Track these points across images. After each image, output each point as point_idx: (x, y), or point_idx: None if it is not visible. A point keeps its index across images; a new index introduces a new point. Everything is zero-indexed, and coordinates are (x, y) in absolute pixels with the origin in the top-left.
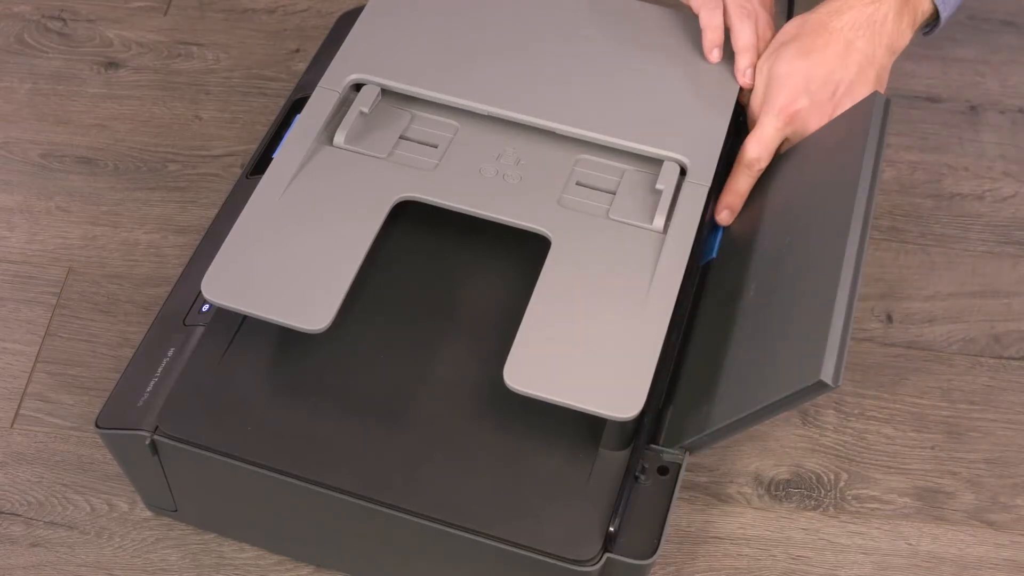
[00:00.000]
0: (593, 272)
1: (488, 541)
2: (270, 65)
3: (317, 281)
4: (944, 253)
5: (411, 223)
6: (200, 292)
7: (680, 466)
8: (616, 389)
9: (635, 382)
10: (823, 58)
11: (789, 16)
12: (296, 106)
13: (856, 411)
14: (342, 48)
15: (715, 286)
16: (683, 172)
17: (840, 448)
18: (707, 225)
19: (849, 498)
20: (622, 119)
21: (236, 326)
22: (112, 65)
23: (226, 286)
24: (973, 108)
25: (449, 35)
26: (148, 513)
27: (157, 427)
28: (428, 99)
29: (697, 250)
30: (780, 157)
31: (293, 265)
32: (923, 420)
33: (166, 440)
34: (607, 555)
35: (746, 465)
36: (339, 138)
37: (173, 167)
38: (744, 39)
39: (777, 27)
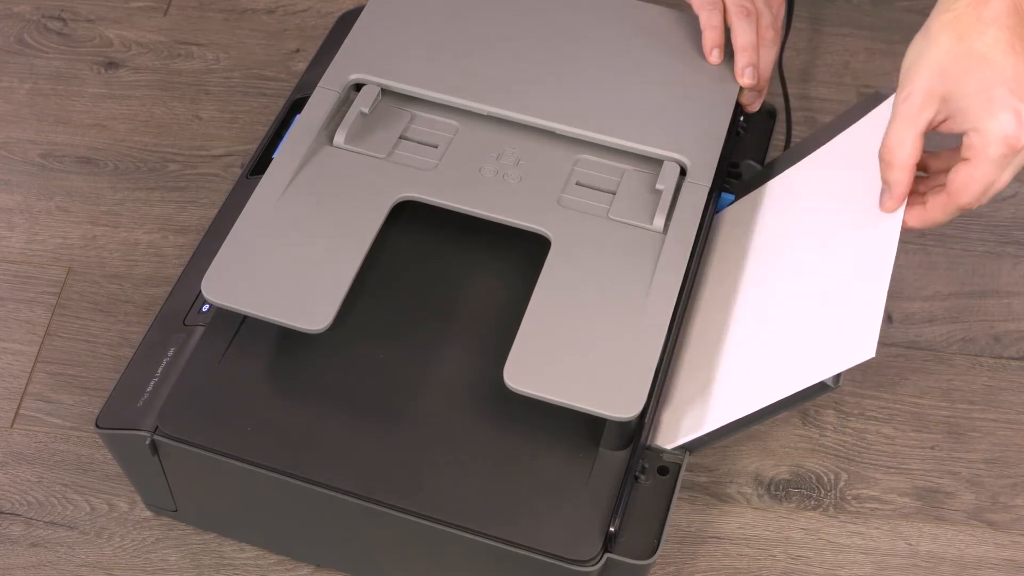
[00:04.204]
0: (593, 272)
1: (488, 541)
2: (270, 65)
3: (317, 281)
4: (944, 253)
5: (411, 223)
6: (200, 292)
7: (680, 466)
8: (616, 389)
9: (635, 382)
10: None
11: (788, 16)
12: (296, 106)
13: (856, 411)
14: (342, 48)
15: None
16: (683, 172)
17: (840, 448)
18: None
19: (849, 498)
20: (622, 119)
21: (236, 326)
22: (112, 65)
23: (226, 286)
24: None
25: (449, 35)
26: (148, 513)
27: (157, 427)
28: (428, 99)
29: (697, 250)
30: (782, 156)
31: (293, 265)
32: (923, 420)
33: (166, 440)
34: (607, 555)
35: (746, 465)
36: (339, 138)
37: (173, 167)
38: (743, 38)
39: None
